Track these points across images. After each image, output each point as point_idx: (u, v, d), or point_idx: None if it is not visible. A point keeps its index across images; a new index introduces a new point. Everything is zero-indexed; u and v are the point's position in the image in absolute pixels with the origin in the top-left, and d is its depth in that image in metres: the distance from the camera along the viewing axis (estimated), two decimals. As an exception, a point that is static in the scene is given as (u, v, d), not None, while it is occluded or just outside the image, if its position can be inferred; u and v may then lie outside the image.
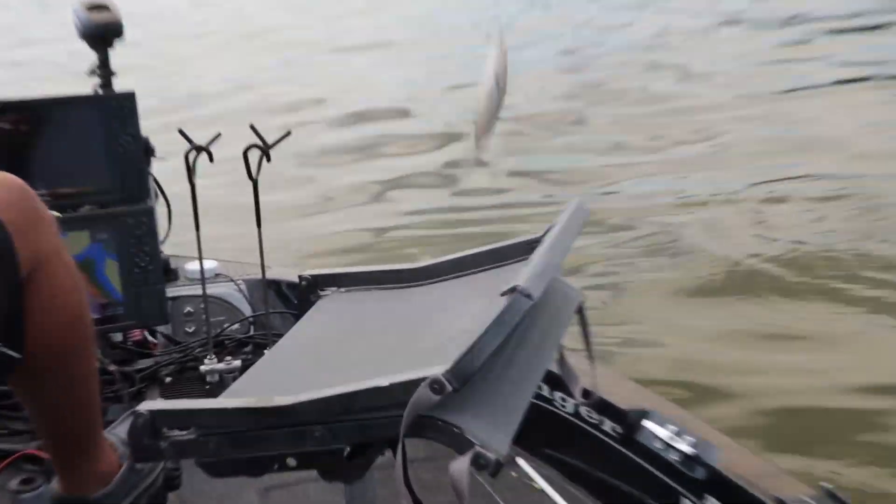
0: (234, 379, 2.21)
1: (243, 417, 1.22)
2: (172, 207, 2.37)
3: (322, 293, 1.71)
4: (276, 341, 2.30)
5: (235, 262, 2.67)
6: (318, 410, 1.20)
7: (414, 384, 1.13)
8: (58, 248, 1.48)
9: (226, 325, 2.39)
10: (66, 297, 1.48)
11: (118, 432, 1.79)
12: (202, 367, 2.18)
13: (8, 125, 2.04)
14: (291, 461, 1.24)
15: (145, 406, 1.24)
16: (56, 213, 2.14)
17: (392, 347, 1.43)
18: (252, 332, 2.40)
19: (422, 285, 1.65)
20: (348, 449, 1.25)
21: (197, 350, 2.32)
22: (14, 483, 1.52)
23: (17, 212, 1.39)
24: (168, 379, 2.25)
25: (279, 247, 3.71)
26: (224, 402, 1.25)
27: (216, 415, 1.23)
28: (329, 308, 1.62)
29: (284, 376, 1.39)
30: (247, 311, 2.45)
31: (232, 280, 2.50)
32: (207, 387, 2.21)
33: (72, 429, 1.59)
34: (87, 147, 2.09)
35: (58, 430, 1.59)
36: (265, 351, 2.21)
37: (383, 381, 1.19)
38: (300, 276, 1.66)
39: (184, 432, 1.26)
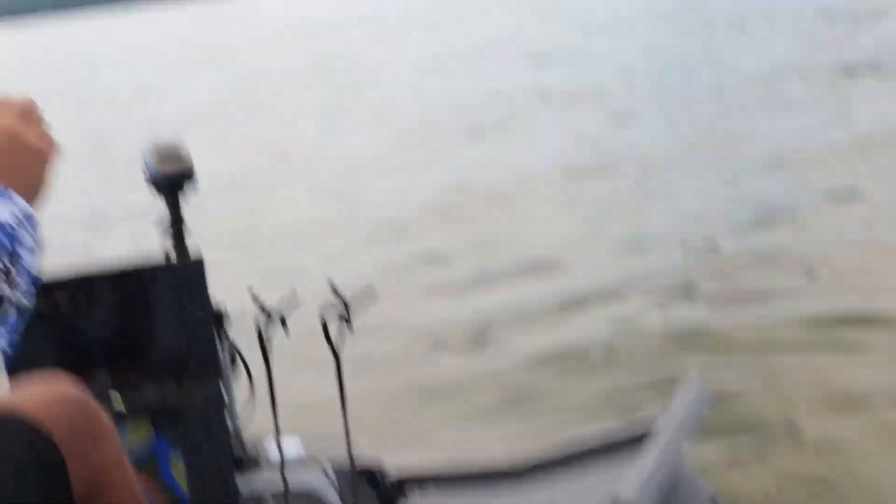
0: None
1: None
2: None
3: (409, 491, 1.48)
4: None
5: (326, 441, 2.42)
6: None
7: None
8: (117, 461, 1.38)
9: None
10: None
11: None
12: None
13: (64, 302, 1.90)
14: None
15: None
16: (118, 400, 1.98)
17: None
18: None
19: (520, 483, 1.37)
20: None
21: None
22: None
23: (72, 429, 1.30)
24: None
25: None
26: None
27: None
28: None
29: None
30: (336, 501, 2.18)
31: (319, 464, 2.25)
32: None
33: None
34: (154, 322, 1.93)
35: None
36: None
37: None
38: (384, 475, 1.45)
39: None
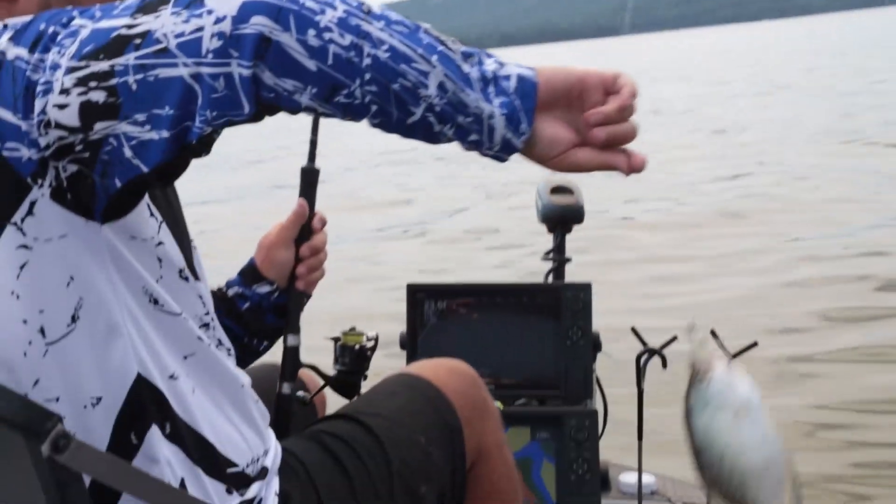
0: None
1: None
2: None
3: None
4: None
5: (676, 480, 2.59)
6: None
7: None
8: (500, 442, 1.52)
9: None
10: (504, 496, 1.50)
11: None
12: None
13: (463, 308, 2.20)
14: None
15: None
16: (499, 404, 2.27)
17: None
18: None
19: None
20: None
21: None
22: None
23: (467, 401, 1.47)
24: None
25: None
26: None
27: None
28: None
29: None
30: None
31: (669, 501, 2.42)
32: None
33: None
34: (536, 338, 2.18)
35: None
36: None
37: None
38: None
39: None
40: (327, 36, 0.90)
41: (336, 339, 1.75)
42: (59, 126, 0.93)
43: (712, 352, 1.01)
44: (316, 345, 1.89)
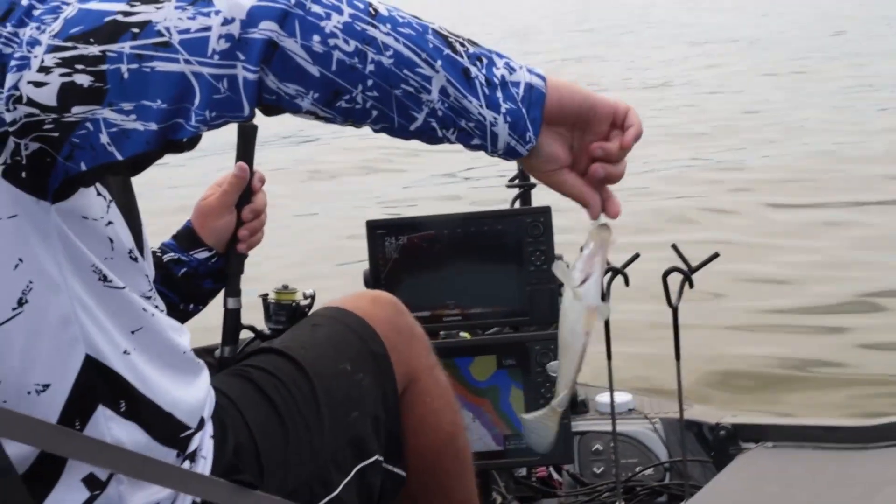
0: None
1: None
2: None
3: (744, 445, 1.60)
4: (693, 493, 2.20)
5: (650, 397, 2.60)
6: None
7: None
8: (430, 365, 1.56)
9: (638, 470, 2.32)
10: (439, 417, 1.54)
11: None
12: (610, 515, 2.13)
13: (424, 242, 2.20)
14: None
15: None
16: (465, 335, 2.27)
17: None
18: (667, 481, 2.30)
19: (874, 449, 1.46)
20: None
21: (605, 494, 2.27)
22: None
23: (392, 327, 1.50)
24: (573, 524, 2.22)
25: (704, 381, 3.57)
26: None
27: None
28: (753, 465, 1.49)
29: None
30: (662, 454, 2.36)
31: (646, 418, 2.44)
32: (613, 537, 2.15)
33: None
34: (500, 266, 2.18)
35: None
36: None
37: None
38: (718, 425, 1.56)
39: None
40: (332, 42, 0.91)
41: (264, 297, 1.75)
42: (31, 103, 0.91)
43: (594, 242, 1.06)
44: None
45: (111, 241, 1.08)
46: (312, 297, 1.76)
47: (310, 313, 1.64)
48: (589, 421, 2.42)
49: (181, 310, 1.53)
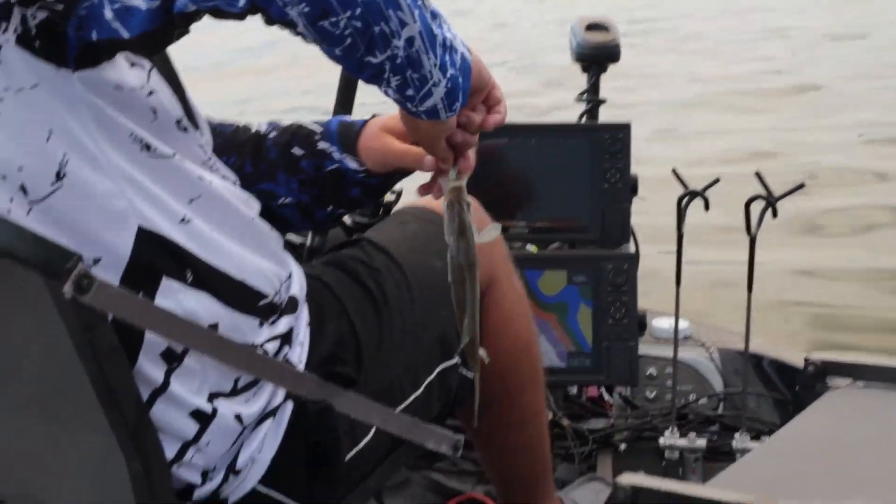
0: (696, 460, 2.14)
1: (741, 517, 1.14)
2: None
3: (830, 383, 1.57)
4: (750, 426, 2.19)
5: (709, 326, 2.58)
6: (836, 529, 1.09)
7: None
8: (509, 271, 1.54)
9: (693, 398, 2.31)
10: (516, 324, 1.53)
11: (574, 496, 1.79)
12: (661, 440, 2.12)
13: (494, 150, 2.16)
14: (794, 579, 1.13)
15: (627, 480, 1.20)
16: (533, 248, 2.25)
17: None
18: (721, 411, 2.30)
19: None
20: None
21: (657, 419, 2.27)
22: None
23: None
24: (623, 446, 2.21)
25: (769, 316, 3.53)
26: (718, 492, 1.17)
27: (709, 506, 1.16)
28: (843, 403, 1.47)
29: (785, 476, 1.28)
30: (717, 384, 2.35)
31: (703, 346, 2.42)
32: (664, 463, 2.15)
33: (522, 473, 1.61)
34: (572, 180, 2.14)
35: (508, 472, 1.62)
36: (736, 434, 2.10)
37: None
38: (807, 360, 1.54)
39: (666, 518, 1.21)
40: None
41: None
42: None
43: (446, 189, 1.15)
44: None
45: (154, 111, 1.04)
46: (399, 194, 1.73)
47: (394, 210, 1.61)
48: (644, 345, 2.40)
49: (331, 214, 1.42)
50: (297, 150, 1.35)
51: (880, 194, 5.42)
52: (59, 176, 0.98)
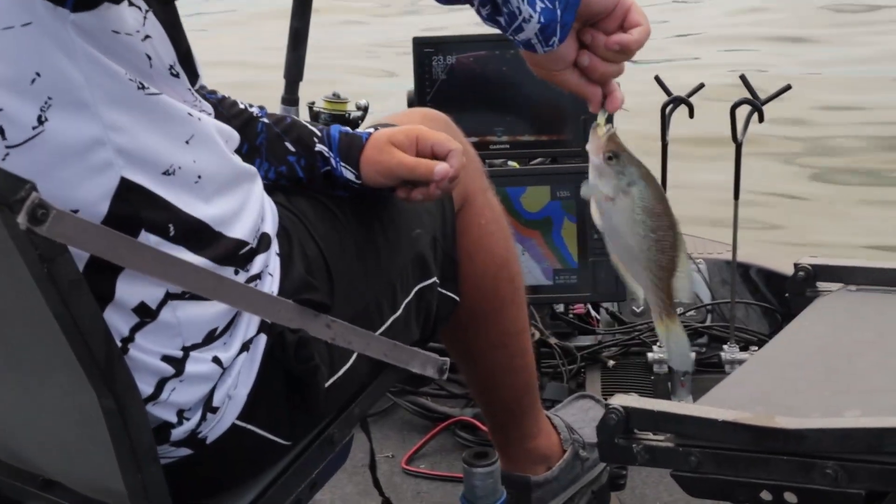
0: (685, 373, 2.13)
1: (737, 434, 1.11)
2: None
3: (820, 288, 1.55)
4: (740, 336, 2.18)
5: (695, 237, 2.56)
6: (835, 442, 1.07)
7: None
8: (484, 188, 1.51)
9: (680, 311, 2.29)
10: (493, 240, 1.50)
11: (563, 415, 1.77)
12: (650, 355, 2.10)
13: (474, 62, 2.10)
14: (791, 496, 1.11)
15: (619, 401, 1.18)
16: (514, 164, 2.20)
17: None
18: (709, 322, 2.28)
19: None
20: (863, 494, 1.10)
21: (644, 334, 2.25)
22: (468, 455, 1.58)
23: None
24: (611, 362, 2.20)
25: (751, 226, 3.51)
26: (713, 411, 1.14)
27: (702, 425, 1.13)
28: (835, 308, 1.44)
29: (780, 388, 1.26)
30: (705, 295, 2.33)
31: (690, 257, 2.39)
32: (653, 377, 2.14)
33: (507, 393, 1.60)
34: (553, 92, 2.08)
35: (493, 394, 1.61)
36: (725, 346, 2.09)
37: (929, 420, 1.02)
38: (796, 265, 1.51)
39: (660, 437, 1.19)
40: None
41: (311, 105, 1.65)
42: None
43: (599, 140, 1.02)
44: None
45: (149, 57, 0.99)
46: (365, 109, 1.67)
47: (361, 127, 1.55)
48: (631, 258, 2.37)
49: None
50: (289, 145, 1.31)
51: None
52: (41, 121, 0.93)
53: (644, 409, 1.17)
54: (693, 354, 1.09)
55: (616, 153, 1.01)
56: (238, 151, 1.18)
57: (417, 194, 1.26)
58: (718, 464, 1.14)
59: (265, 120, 1.33)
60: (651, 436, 1.18)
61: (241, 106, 1.34)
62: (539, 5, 0.95)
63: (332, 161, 1.30)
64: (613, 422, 1.17)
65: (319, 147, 1.31)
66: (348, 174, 1.30)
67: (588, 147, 1.04)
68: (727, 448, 1.13)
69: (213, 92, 1.33)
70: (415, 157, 1.26)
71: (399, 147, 1.28)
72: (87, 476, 1.17)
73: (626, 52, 1.00)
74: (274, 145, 1.31)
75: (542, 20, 0.95)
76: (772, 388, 1.27)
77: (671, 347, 1.12)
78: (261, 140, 1.31)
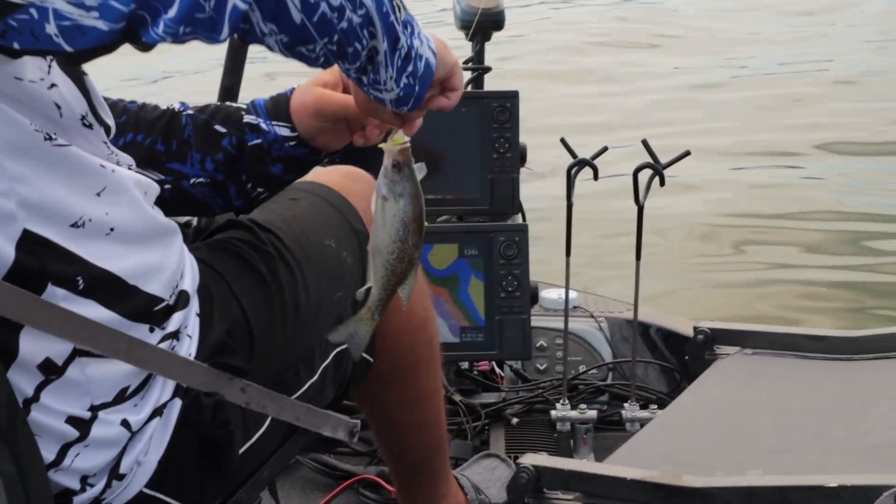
0: (588, 431, 2.15)
1: (646, 492, 1.13)
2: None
3: (718, 351, 1.60)
4: (640, 395, 2.22)
5: (593, 294, 2.60)
6: (740, 500, 1.10)
7: (874, 492, 0.99)
8: None
9: (583, 369, 2.32)
10: (412, 302, 1.47)
11: (468, 474, 1.77)
12: (553, 413, 2.12)
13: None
14: (699, 555, 1.14)
15: (529, 460, 1.19)
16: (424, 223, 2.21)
17: (823, 433, 1.29)
18: (610, 380, 2.32)
19: (855, 360, 1.48)
20: (767, 553, 1.13)
21: (548, 391, 2.27)
22: None
23: (368, 205, 1.37)
24: (515, 420, 2.21)
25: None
26: (622, 469, 1.17)
27: (612, 484, 1.16)
28: (733, 370, 1.49)
29: (685, 447, 1.29)
30: (606, 354, 2.37)
31: (592, 316, 2.44)
32: (556, 435, 2.16)
33: (418, 453, 1.59)
34: (460, 150, 2.10)
35: (404, 453, 1.59)
36: (625, 404, 2.12)
37: (829, 481, 1.06)
38: (696, 329, 1.56)
39: (569, 496, 1.21)
40: None
41: None
42: None
43: (393, 148, 1.12)
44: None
45: (58, 105, 0.97)
46: None
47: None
48: (533, 317, 2.40)
49: (247, 191, 1.34)
50: (219, 127, 1.29)
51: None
52: None
53: (554, 468, 1.19)
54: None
55: (401, 165, 1.11)
56: (168, 153, 1.20)
57: (359, 139, 1.28)
58: (630, 522, 1.16)
59: (189, 112, 1.31)
60: (560, 494, 1.20)
61: (163, 107, 1.32)
62: (403, 81, 1.02)
63: (263, 125, 1.29)
64: (524, 481, 1.19)
65: (247, 118, 1.30)
66: (282, 130, 1.29)
67: (384, 147, 1.12)
68: (637, 506, 1.15)
69: (133, 101, 1.32)
70: (345, 95, 1.26)
71: (326, 86, 1.29)
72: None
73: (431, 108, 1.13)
74: (204, 132, 1.29)
75: (401, 94, 1.03)
76: (676, 446, 1.30)
77: (356, 337, 1.19)
78: (188, 132, 1.29)
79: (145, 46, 0.86)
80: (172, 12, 0.82)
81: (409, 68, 1.02)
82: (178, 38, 0.84)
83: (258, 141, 1.29)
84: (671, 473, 1.14)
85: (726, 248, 4.33)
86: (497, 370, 2.35)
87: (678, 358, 2.33)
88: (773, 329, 1.54)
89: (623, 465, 1.20)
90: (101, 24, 0.81)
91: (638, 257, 2.06)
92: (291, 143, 1.29)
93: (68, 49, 0.83)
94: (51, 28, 0.81)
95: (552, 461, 1.19)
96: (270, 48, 0.92)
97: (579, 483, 1.18)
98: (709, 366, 1.53)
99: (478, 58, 2.42)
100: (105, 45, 0.83)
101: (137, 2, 0.81)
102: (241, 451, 1.16)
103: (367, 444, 2.08)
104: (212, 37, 0.86)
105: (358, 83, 1.04)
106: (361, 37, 0.94)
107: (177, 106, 1.32)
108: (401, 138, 1.12)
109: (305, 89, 1.29)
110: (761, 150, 5.75)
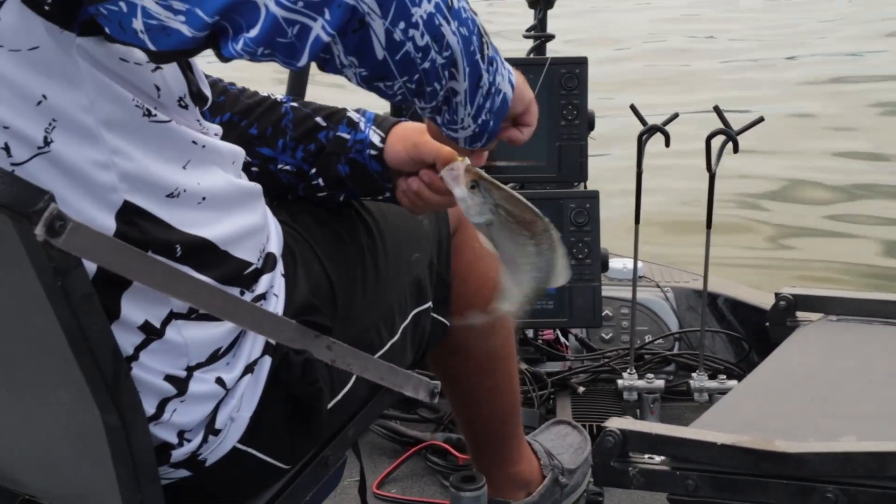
0: (655, 401, 2.15)
1: (735, 457, 1.13)
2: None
3: (800, 318, 1.58)
4: (708, 364, 2.21)
5: (660, 265, 2.59)
6: (836, 467, 1.09)
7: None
8: None
9: (649, 338, 2.32)
10: (486, 264, 1.47)
11: (541, 440, 1.78)
12: (620, 382, 2.12)
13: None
14: (788, 519, 1.13)
15: (615, 424, 1.19)
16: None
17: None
18: (677, 350, 2.31)
19: None
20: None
21: (614, 361, 2.27)
22: (455, 479, 1.58)
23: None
24: (581, 389, 2.23)
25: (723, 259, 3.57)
26: (710, 434, 1.16)
27: (700, 448, 1.15)
28: (818, 337, 1.47)
29: (772, 414, 1.28)
30: (672, 323, 2.36)
31: (658, 286, 2.43)
32: (622, 404, 2.16)
33: (492, 419, 1.61)
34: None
35: (478, 418, 1.62)
36: (693, 374, 2.11)
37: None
38: (778, 295, 1.54)
39: (656, 460, 1.20)
40: (411, 33, 0.89)
41: None
42: None
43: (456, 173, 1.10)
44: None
45: (157, 87, 0.99)
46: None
47: None
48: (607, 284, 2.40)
49: (312, 181, 1.34)
50: (320, 120, 1.31)
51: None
52: (46, 142, 0.92)
53: (641, 431, 1.18)
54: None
55: (476, 182, 1.09)
56: (261, 138, 1.21)
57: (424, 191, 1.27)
58: (716, 487, 1.15)
59: (293, 104, 1.33)
60: (647, 459, 1.20)
61: (263, 94, 1.34)
62: (481, 118, 1.01)
63: (362, 125, 1.30)
64: (610, 444, 1.18)
65: (351, 114, 1.32)
66: (374, 136, 1.30)
67: (447, 181, 1.10)
68: (725, 471, 1.14)
69: (233, 84, 1.34)
70: (439, 144, 1.25)
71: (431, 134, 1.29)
72: (74, 494, 1.14)
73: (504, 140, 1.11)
74: (304, 122, 1.31)
75: (476, 130, 1.02)
76: (763, 413, 1.29)
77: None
78: (286, 121, 1.31)
79: (223, 59, 0.87)
80: (254, 32, 0.83)
81: (487, 104, 1.01)
82: (255, 58, 0.86)
83: (347, 135, 1.30)
84: (762, 439, 1.13)
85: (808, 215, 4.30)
86: (562, 339, 2.35)
87: (746, 328, 2.32)
88: (858, 295, 1.52)
89: (711, 430, 1.19)
90: (186, 30, 0.84)
91: (709, 226, 2.04)
92: (372, 153, 1.30)
93: (152, 47, 0.86)
94: (137, 24, 0.84)
95: (639, 425, 1.19)
96: (348, 79, 0.92)
97: (667, 447, 1.18)
98: (791, 333, 1.51)
99: (540, 25, 2.41)
100: (188, 49, 0.86)
101: (223, 14, 0.83)
102: (328, 407, 1.18)
103: (433, 411, 2.10)
104: (290, 62, 0.87)
105: (432, 121, 1.03)
106: (442, 77, 0.94)
107: (278, 97, 1.34)
108: (459, 161, 1.10)
109: (415, 126, 1.30)
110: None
